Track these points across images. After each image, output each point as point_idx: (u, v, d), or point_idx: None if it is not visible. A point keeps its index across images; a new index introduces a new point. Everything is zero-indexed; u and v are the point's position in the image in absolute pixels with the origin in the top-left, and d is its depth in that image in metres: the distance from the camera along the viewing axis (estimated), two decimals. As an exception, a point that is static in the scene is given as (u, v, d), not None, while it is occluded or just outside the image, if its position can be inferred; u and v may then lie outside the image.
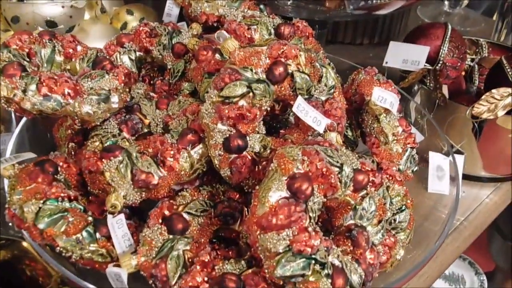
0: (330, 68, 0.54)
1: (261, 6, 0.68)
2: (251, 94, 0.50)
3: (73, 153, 0.61)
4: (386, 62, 0.87)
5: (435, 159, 0.76)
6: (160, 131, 0.58)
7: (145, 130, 0.59)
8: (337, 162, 0.47)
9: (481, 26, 1.40)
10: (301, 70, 0.51)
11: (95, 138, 0.56)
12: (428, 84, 0.88)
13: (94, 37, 0.78)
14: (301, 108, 0.51)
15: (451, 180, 0.73)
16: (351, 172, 0.48)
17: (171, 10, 0.70)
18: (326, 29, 0.89)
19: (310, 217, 0.44)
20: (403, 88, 0.87)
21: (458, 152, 0.89)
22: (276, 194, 0.44)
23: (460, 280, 1.55)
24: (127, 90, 0.59)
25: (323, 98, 0.53)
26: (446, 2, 1.43)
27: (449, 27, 0.89)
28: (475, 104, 0.83)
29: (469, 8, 1.48)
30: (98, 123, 0.57)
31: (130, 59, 0.65)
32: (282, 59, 0.51)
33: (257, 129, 0.51)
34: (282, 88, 0.51)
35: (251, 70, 0.50)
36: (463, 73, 0.99)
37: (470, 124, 0.86)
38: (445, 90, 0.87)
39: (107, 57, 0.60)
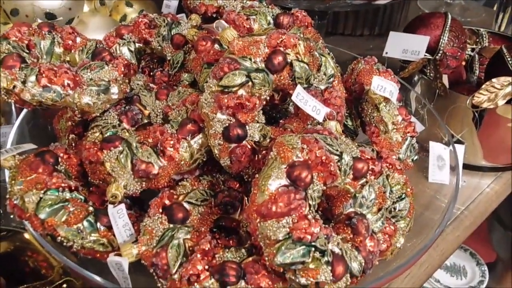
0: (329, 57, 0.54)
1: (260, -4, 0.68)
2: (250, 83, 0.50)
3: (73, 144, 0.61)
4: (386, 53, 0.87)
5: (436, 149, 0.77)
6: (160, 122, 0.58)
7: (145, 121, 0.59)
8: (337, 150, 0.48)
9: (481, 17, 1.40)
10: (300, 59, 0.51)
11: (95, 129, 0.56)
12: (428, 74, 0.88)
13: (94, 29, 0.78)
14: (301, 97, 0.51)
15: (451, 169, 0.73)
16: (350, 160, 0.49)
17: (170, 1, 0.70)
18: (325, 20, 0.88)
19: (309, 205, 0.45)
20: (403, 78, 0.87)
21: (459, 142, 0.89)
22: (276, 182, 0.44)
23: (461, 271, 1.56)
24: (127, 81, 0.59)
25: (322, 87, 0.53)
26: (447, -7, 1.42)
27: (449, 16, 0.89)
28: (475, 94, 0.83)
29: (470, -1, 1.48)
30: (98, 114, 0.57)
31: (130, 50, 0.65)
32: (281, 48, 0.51)
33: (256, 118, 0.51)
34: (281, 77, 0.52)
35: (250, 59, 0.50)
36: (464, 63, 0.99)
37: (470, 113, 0.86)
38: (445, 80, 0.87)
39: (107, 48, 0.60)
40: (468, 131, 0.89)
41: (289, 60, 0.51)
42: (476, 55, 0.98)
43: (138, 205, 0.57)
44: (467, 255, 1.56)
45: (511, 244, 1.60)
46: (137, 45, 0.66)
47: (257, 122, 0.52)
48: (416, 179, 0.73)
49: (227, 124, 0.50)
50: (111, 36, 0.65)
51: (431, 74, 0.87)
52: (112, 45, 0.65)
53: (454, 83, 0.95)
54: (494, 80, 0.83)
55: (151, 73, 0.67)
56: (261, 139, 0.52)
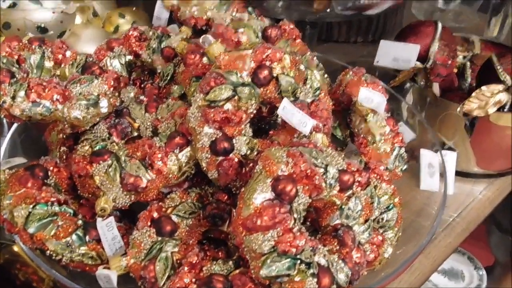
0: (315, 70, 0.55)
1: (250, 9, 0.69)
2: (236, 97, 0.50)
3: (64, 156, 0.61)
4: (377, 61, 0.88)
5: (426, 156, 0.77)
6: (149, 135, 0.58)
7: (135, 134, 0.59)
8: (322, 163, 0.48)
9: (475, 22, 1.40)
10: (286, 73, 0.52)
11: (85, 142, 0.56)
12: (419, 82, 0.89)
13: (86, 41, 0.79)
14: (287, 111, 0.51)
15: (441, 177, 0.73)
16: (336, 173, 0.49)
17: (161, 13, 0.71)
18: (317, 28, 0.89)
19: (294, 219, 0.45)
20: (394, 87, 0.88)
21: (451, 149, 0.90)
22: (261, 195, 0.45)
23: (459, 275, 1.56)
24: (116, 94, 0.60)
25: (309, 100, 0.54)
26: (440, -1, 1.43)
27: (439, 25, 0.89)
28: (466, 101, 0.84)
29: (464, 5, 1.49)
30: (88, 128, 0.57)
31: (120, 63, 0.66)
32: (267, 63, 0.51)
33: (243, 131, 0.52)
34: (268, 91, 0.52)
35: (236, 74, 0.51)
36: (456, 70, 0.99)
37: (462, 120, 0.87)
38: (435, 88, 0.87)
39: (97, 62, 0.61)
40: (461, 138, 0.89)
41: (275, 74, 0.52)
42: (468, 63, 0.98)
43: (128, 217, 0.57)
44: (465, 259, 1.56)
45: (509, 247, 1.60)
46: (127, 57, 0.66)
47: (244, 135, 0.52)
48: (409, 186, 0.74)
49: (214, 138, 0.51)
50: (102, 49, 0.66)
51: (422, 82, 0.87)
52: (103, 57, 0.65)
53: (446, 90, 0.96)
54: (484, 88, 0.84)
55: (142, 85, 0.68)
56: (248, 152, 0.52)
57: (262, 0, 0.73)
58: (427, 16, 1.44)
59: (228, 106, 0.50)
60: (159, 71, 0.66)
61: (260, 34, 0.62)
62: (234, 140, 0.51)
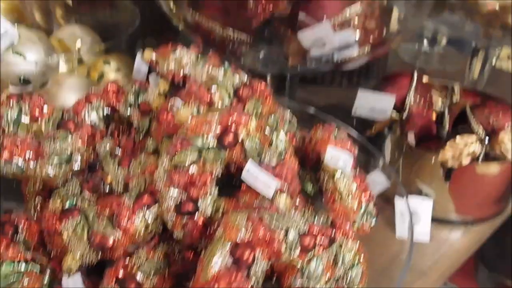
0: (282, 131, 0.57)
1: (225, 64, 0.71)
2: (201, 161, 0.52)
3: (39, 207, 0.63)
4: (355, 111, 0.90)
5: (400, 204, 0.78)
6: (121, 190, 0.60)
7: (107, 189, 0.61)
8: (283, 227, 0.50)
9: (460, 65, 1.43)
10: (251, 136, 0.54)
11: (56, 197, 0.58)
12: (395, 131, 0.91)
13: (69, 90, 0.81)
14: (251, 174, 0.53)
15: (415, 224, 0.75)
16: (297, 236, 0.50)
17: (140, 66, 0.73)
18: (298, 77, 0.92)
19: (252, 286, 0.46)
20: (371, 136, 0.90)
21: (427, 196, 0.91)
22: (219, 260, 0.46)
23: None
24: (91, 150, 0.61)
25: (274, 162, 0.56)
26: (425, 41, 1.46)
27: (415, 76, 0.92)
28: (440, 152, 0.86)
29: (450, 47, 1.52)
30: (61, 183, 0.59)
31: (98, 116, 0.68)
32: (233, 127, 0.53)
33: (209, 192, 0.53)
34: (233, 154, 0.54)
35: (202, 137, 0.52)
36: (434, 116, 1.01)
37: (438, 168, 0.88)
38: (411, 137, 0.89)
39: (72, 117, 0.63)
40: (438, 185, 0.91)
41: (240, 138, 0.54)
42: (446, 110, 1.00)
43: (96, 272, 0.58)
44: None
45: (496, 285, 1.60)
46: (105, 111, 0.68)
47: (210, 196, 0.54)
48: (384, 233, 0.75)
49: (178, 200, 0.52)
50: (81, 102, 0.68)
51: (398, 132, 0.89)
52: (82, 110, 0.67)
53: (424, 137, 0.97)
54: (457, 138, 0.86)
55: (119, 137, 0.69)
56: (214, 212, 0.54)
57: (238, 57, 0.75)
58: (412, 58, 1.47)
59: (193, 169, 0.52)
60: (135, 125, 0.68)
61: (232, 93, 0.64)
62: (199, 201, 0.53)
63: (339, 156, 0.61)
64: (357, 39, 0.75)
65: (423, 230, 0.85)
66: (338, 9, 0.71)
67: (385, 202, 0.76)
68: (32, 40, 0.73)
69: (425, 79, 1.05)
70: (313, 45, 0.71)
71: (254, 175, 0.53)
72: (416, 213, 0.83)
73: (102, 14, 1.01)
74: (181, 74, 0.71)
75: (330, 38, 0.70)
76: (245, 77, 0.72)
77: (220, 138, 0.53)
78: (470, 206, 0.93)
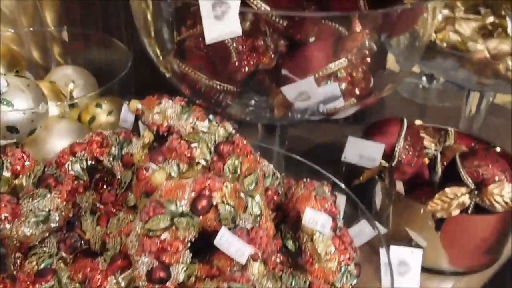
0: (258, 195, 0.57)
1: (210, 116, 0.71)
2: (174, 227, 0.52)
3: (18, 264, 0.63)
4: (345, 157, 0.90)
5: (384, 255, 0.78)
6: (98, 249, 0.60)
7: (85, 247, 0.61)
8: (253, 298, 0.49)
9: (459, 101, 1.43)
10: (225, 202, 0.54)
11: (33, 258, 0.58)
12: (384, 179, 0.90)
13: (59, 135, 0.81)
14: (224, 240, 0.53)
15: (405, 274, 0.74)
16: (269, 305, 0.50)
17: (127, 116, 0.74)
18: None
19: None
20: (360, 184, 0.89)
21: (418, 246, 0.90)
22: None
23: None
24: (70, 206, 0.62)
25: (249, 227, 0.55)
26: (424, 78, 1.46)
27: (405, 123, 0.91)
28: (430, 203, 0.85)
29: (450, 82, 1.51)
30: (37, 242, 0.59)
31: (82, 167, 0.68)
32: (207, 192, 0.53)
33: (181, 259, 0.53)
34: (207, 219, 0.54)
35: (176, 203, 0.52)
36: (427, 161, 1.01)
37: (429, 218, 0.87)
38: (400, 186, 0.89)
39: (55, 170, 0.63)
40: (429, 235, 0.89)
41: (214, 203, 0.53)
42: (439, 155, 1.00)
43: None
44: None
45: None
46: (89, 162, 0.69)
47: (182, 262, 0.53)
48: (372, 283, 0.74)
49: (150, 267, 0.52)
50: (65, 153, 0.68)
51: (387, 180, 0.89)
52: (65, 162, 0.68)
53: (416, 183, 0.97)
54: (447, 189, 0.85)
55: (102, 188, 0.70)
56: (186, 279, 0.53)
57: (224, 107, 0.75)
58: (410, 94, 1.47)
59: (166, 235, 0.52)
60: (118, 177, 0.68)
61: (213, 149, 0.64)
62: (171, 268, 0.53)
63: (317, 218, 0.60)
64: (343, 90, 0.75)
65: (412, 280, 0.84)
66: (323, 62, 0.71)
67: (373, 251, 0.75)
68: (20, 88, 0.73)
69: (418, 122, 1.05)
70: (297, 99, 0.71)
71: (228, 241, 0.53)
72: (405, 263, 0.82)
73: (96, 52, 1.02)
74: (165, 126, 0.71)
75: (314, 91, 0.70)
76: (230, 128, 0.72)
77: (193, 204, 0.52)
78: (461, 256, 0.91)
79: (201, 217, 0.53)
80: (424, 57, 0.92)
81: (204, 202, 0.53)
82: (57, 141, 0.81)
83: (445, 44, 0.90)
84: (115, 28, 1.05)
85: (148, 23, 0.74)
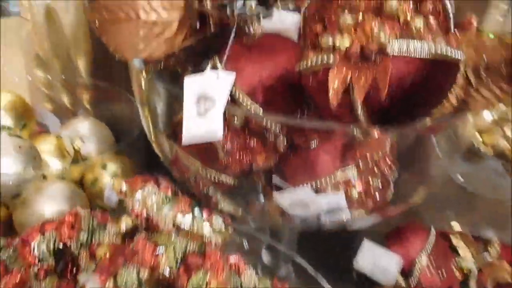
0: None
1: (196, 209, 0.64)
2: None
3: None
4: (357, 262, 0.78)
5: None
6: None
7: None
8: None
9: None
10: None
11: None
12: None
13: (49, 198, 0.77)
14: None
15: None
16: None
17: (111, 195, 0.68)
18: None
19: None
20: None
21: None
22: None
23: None
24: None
25: None
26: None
27: (433, 233, 0.78)
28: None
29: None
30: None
31: (48, 250, 0.63)
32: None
33: None
34: None
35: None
36: (460, 276, 0.86)
37: None
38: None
39: (6, 257, 0.59)
40: None
41: None
42: (476, 270, 0.85)
43: None
44: None
45: None
46: (57, 246, 0.64)
47: None
48: None
49: None
50: (34, 231, 0.64)
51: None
52: (32, 240, 0.63)
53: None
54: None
55: (67, 276, 0.64)
56: None
57: (215, 202, 0.68)
58: (450, 155, 1.31)
59: None
60: (82, 267, 0.62)
61: (179, 257, 0.57)
62: None
63: None
64: (353, 200, 0.65)
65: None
66: (330, 169, 0.62)
67: None
68: (10, 149, 0.70)
69: (456, 227, 0.91)
70: (293, 208, 0.62)
71: None
72: None
73: (118, 109, 0.99)
74: (144, 216, 0.65)
75: (313, 200, 0.61)
76: (219, 223, 0.65)
77: None
78: None
79: None
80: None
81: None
82: (48, 205, 0.77)
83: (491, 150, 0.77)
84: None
85: (143, 97, 0.69)
